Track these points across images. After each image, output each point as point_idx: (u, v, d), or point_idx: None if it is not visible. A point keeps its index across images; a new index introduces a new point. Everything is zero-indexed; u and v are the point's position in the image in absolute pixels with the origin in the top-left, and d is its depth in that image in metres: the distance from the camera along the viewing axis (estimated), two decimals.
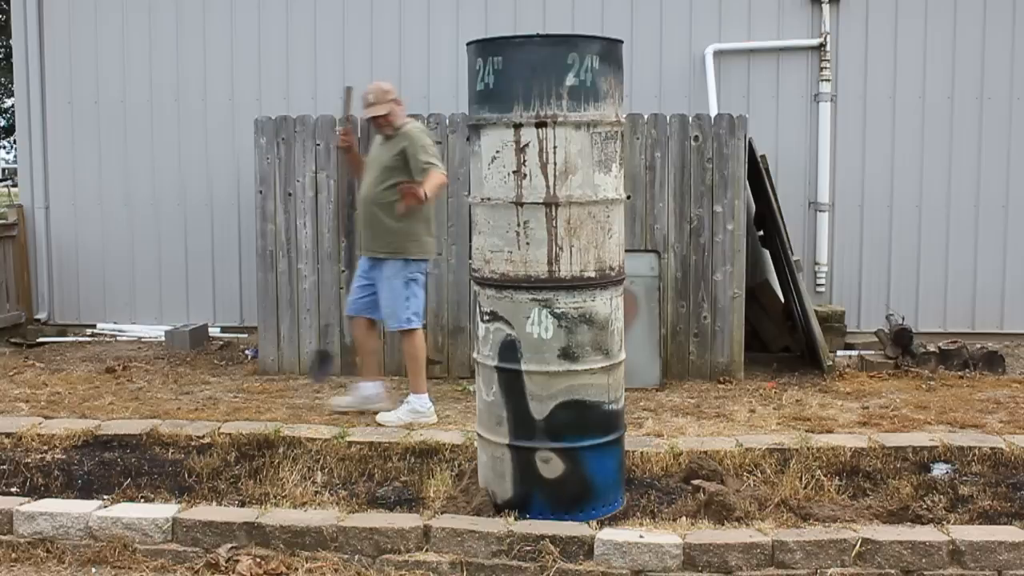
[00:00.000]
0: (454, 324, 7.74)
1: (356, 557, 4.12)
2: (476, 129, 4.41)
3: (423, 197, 5.93)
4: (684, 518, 4.35)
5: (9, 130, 26.28)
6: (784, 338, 8.57)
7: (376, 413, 6.31)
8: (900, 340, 7.84)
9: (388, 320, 6.39)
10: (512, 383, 4.38)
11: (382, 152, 6.34)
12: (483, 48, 4.34)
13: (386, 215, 6.22)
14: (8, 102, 26.57)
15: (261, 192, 7.84)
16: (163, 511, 4.34)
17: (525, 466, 4.40)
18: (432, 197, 6.08)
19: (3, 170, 36.99)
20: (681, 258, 7.58)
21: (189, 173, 9.47)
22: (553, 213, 4.28)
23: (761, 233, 8.44)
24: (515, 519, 4.24)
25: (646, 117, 7.61)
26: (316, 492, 4.79)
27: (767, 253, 8.49)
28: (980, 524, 4.35)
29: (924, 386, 7.33)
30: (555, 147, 4.24)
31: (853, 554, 3.98)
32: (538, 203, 4.28)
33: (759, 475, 4.96)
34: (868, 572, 3.97)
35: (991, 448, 5.31)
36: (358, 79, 9.14)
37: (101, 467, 5.24)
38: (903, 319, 8.27)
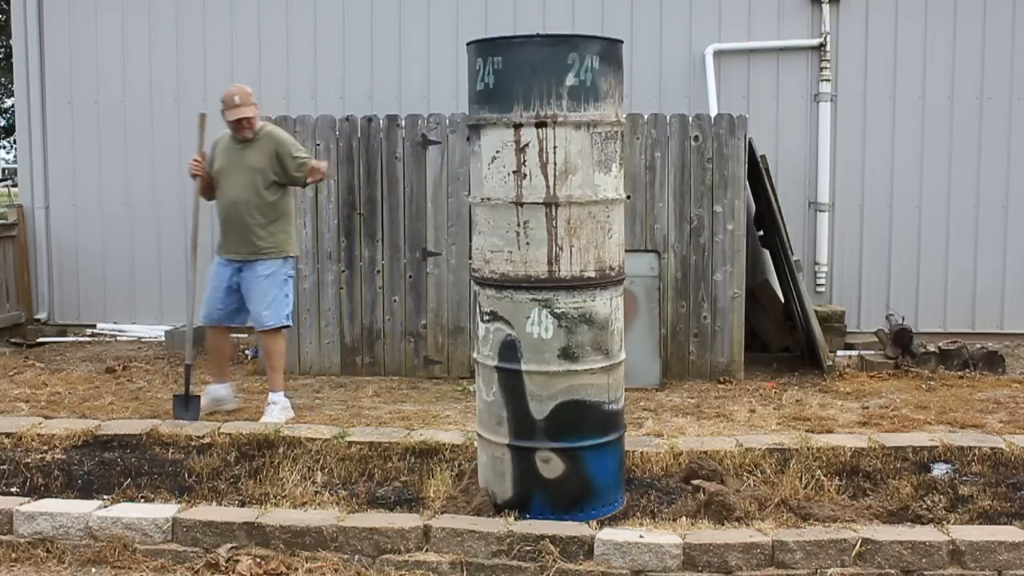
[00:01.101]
0: (454, 324, 7.74)
1: (356, 557, 4.12)
2: (476, 129, 4.41)
3: (325, 172, 6.66)
4: (684, 518, 4.35)
5: (9, 130, 26.27)
6: (784, 338, 8.56)
7: (226, 412, 6.47)
8: (900, 340, 7.84)
9: (263, 318, 6.37)
10: (512, 383, 4.38)
11: (246, 155, 6.37)
12: (483, 48, 4.34)
13: (263, 216, 6.33)
14: (8, 102, 26.57)
15: None
16: (163, 511, 4.34)
17: (525, 466, 4.40)
18: (323, 177, 6.76)
19: (3, 170, 36.99)
20: (681, 258, 7.59)
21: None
22: (553, 213, 4.28)
23: (761, 233, 8.44)
24: (515, 519, 4.24)
25: (646, 117, 7.61)
26: (316, 492, 4.79)
27: (767, 253, 8.49)
28: (980, 524, 4.35)
29: (924, 386, 7.33)
30: (555, 147, 4.24)
31: (853, 554, 3.98)
32: (538, 203, 4.27)
33: (759, 475, 4.96)
34: (868, 572, 3.97)
35: (991, 448, 5.31)
36: (358, 79, 9.23)
37: (101, 467, 5.24)
38: (903, 319, 8.27)
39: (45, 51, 9.61)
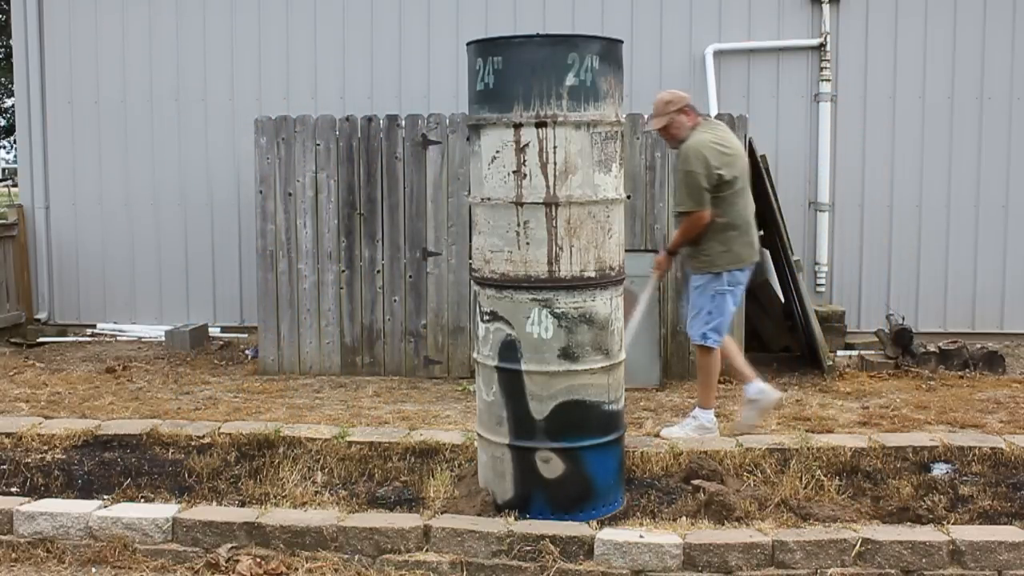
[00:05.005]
0: (454, 324, 7.74)
1: (356, 557, 4.12)
2: (476, 129, 4.41)
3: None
4: (684, 518, 4.35)
5: (9, 130, 26.29)
6: (784, 338, 8.56)
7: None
8: (900, 340, 7.84)
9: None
10: (512, 383, 4.38)
11: None
12: (483, 48, 4.34)
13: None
14: (8, 102, 26.59)
15: (261, 192, 7.85)
16: (163, 511, 4.34)
17: (525, 466, 4.40)
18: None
19: (3, 170, 37.00)
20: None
21: (189, 173, 9.47)
22: (553, 213, 4.28)
23: (761, 233, 8.42)
24: (515, 519, 4.24)
25: (646, 117, 7.60)
26: (316, 492, 4.78)
27: (767, 253, 8.48)
28: (980, 524, 4.35)
29: (924, 386, 7.33)
30: (555, 147, 4.24)
31: (853, 554, 3.98)
32: (538, 203, 4.27)
33: (759, 475, 4.96)
34: (868, 572, 3.97)
35: (991, 448, 5.31)
36: (358, 79, 9.23)
37: (101, 467, 5.23)
38: (903, 319, 8.27)
39: (45, 51, 9.61)
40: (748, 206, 5.89)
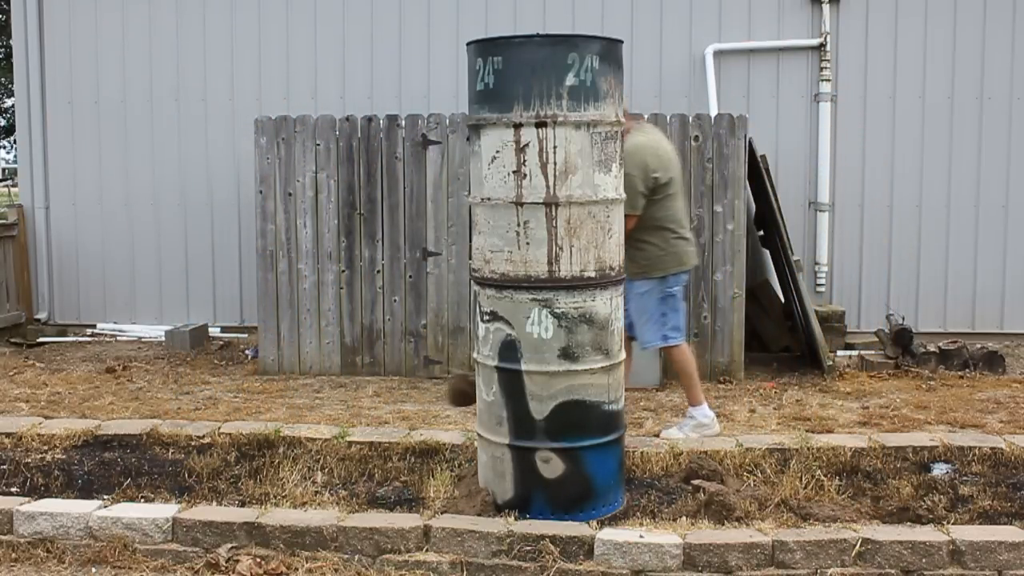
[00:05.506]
0: (454, 324, 7.74)
1: (356, 557, 4.13)
2: (476, 129, 4.41)
3: None
4: (684, 518, 4.35)
5: (9, 130, 26.29)
6: (784, 338, 8.57)
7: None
8: (900, 340, 7.84)
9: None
10: (512, 383, 4.38)
11: None
12: (483, 48, 4.34)
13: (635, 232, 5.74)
14: (8, 102, 26.59)
15: (261, 192, 7.85)
16: (163, 511, 4.34)
17: (525, 466, 4.40)
18: None
19: (3, 170, 37.02)
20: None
21: (189, 173, 9.47)
22: (553, 213, 4.28)
23: (761, 233, 8.44)
24: (515, 519, 4.24)
25: (646, 117, 7.60)
26: (316, 492, 4.79)
27: (767, 253, 8.49)
28: (980, 524, 4.35)
29: (924, 386, 7.33)
30: (555, 147, 4.24)
31: (853, 554, 3.98)
32: (538, 203, 4.28)
33: (759, 475, 4.96)
34: (868, 572, 3.97)
35: (991, 448, 5.31)
36: (358, 79, 9.24)
37: (101, 467, 5.24)
38: (903, 319, 8.27)
39: (45, 51, 9.61)
40: (683, 208, 5.89)
